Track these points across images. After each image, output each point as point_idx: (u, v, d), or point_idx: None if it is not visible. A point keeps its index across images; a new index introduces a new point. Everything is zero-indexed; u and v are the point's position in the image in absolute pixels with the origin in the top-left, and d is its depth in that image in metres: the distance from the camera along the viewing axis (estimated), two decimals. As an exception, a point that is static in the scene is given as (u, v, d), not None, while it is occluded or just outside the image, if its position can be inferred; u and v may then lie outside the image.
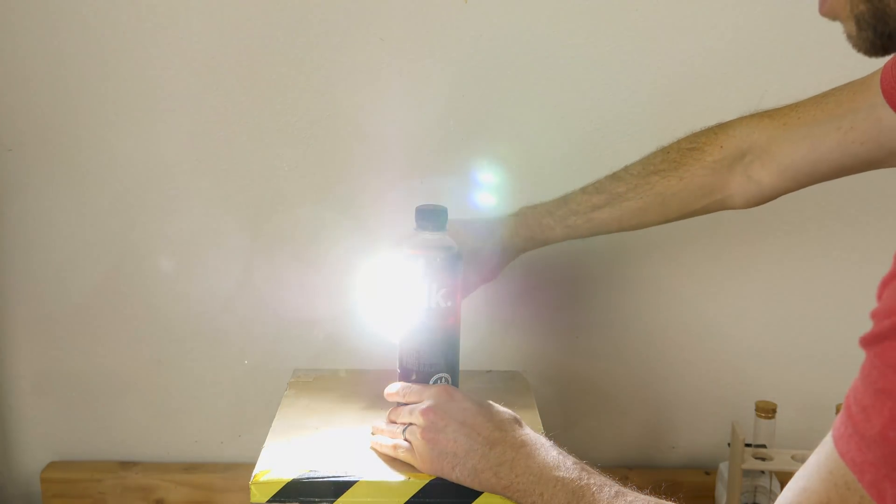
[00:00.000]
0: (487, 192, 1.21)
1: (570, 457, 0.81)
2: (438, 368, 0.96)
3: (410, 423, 0.89)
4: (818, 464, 0.54)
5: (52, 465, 1.27)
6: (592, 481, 0.77)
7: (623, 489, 0.76)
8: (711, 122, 1.19)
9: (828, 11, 0.60)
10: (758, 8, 1.16)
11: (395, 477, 0.86)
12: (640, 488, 0.75)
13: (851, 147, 0.88)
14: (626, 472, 1.28)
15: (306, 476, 0.86)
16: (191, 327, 1.25)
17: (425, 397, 0.90)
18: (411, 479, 0.86)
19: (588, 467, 0.80)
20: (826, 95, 0.91)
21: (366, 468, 0.87)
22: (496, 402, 0.90)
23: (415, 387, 0.95)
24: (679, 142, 1.00)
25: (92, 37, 1.15)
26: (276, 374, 1.21)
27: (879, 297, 0.51)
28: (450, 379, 0.98)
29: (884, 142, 0.86)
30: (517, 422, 0.87)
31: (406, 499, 0.86)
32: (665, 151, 1.00)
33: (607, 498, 0.75)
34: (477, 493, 0.84)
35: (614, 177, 1.03)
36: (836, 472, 0.52)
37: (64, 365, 1.25)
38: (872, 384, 0.49)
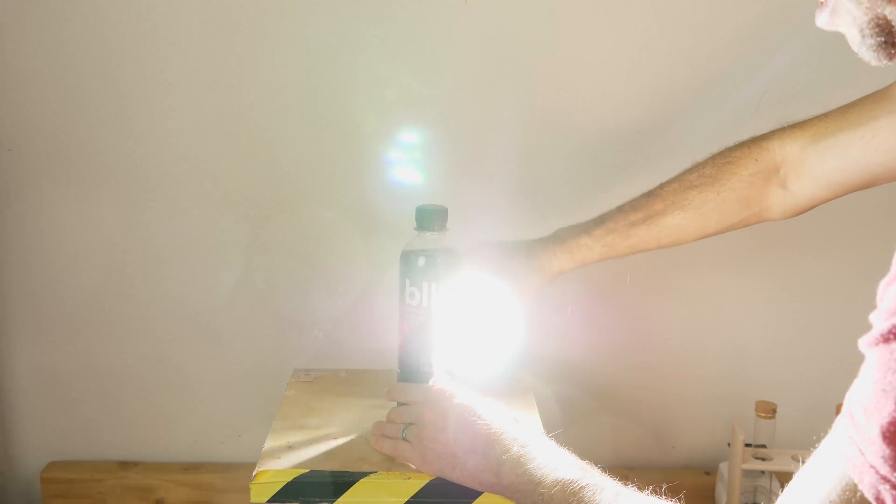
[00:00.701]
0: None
1: (571, 457, 0.81)
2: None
3: (411, 423, 0.89)
4: (817, 466, 0.54)
5: (52, 465, 1.27)
6: (592, 482, 0.77)
7: (623, 490, 0.76)
8: (711, 121, 1.19)
9: (827, 24, 0.60)
10: (758, 8, 1.16)
11: (395, 477, 0.86)
12: (640, 488, 0.75)
13: (875, 155, 0.90)
14: (626, 472, 1.28)
15: (306, 476, 0.86)
16: (191, 327, 1.25)
17: (426, 398, 0.90)
18: (411, 479, 0.86)
19: (588, 467, 0.80)
20: (850, 105, 0.94)
21: (366, 468, 0.87)
22: (496, 402, 0.90)
23: (415, 387, 0.95)
24: (713, 157, 1.01)
25: (92, 37, 1.14)
26: (276, 374, 1.21)
27: (880, 299, 0.50)
28: (450, 379, 0.98)
29: None
30: (517, 421, 0.87)
31: (406, 499, 0.86)
32: (700, 167, 1.01)
33: (607, 499, 0.75)
34: (477, 493, 0.84)
35: (650, 194, 1.03)
36: (835, 475, 0.52)
37: (64, 365, 1.25)
38: (873, 385, 0.49)
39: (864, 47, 0.58)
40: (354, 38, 1.16)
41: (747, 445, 1.09)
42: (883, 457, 0.48)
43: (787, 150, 0.97)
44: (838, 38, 0.61)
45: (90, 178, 1.19)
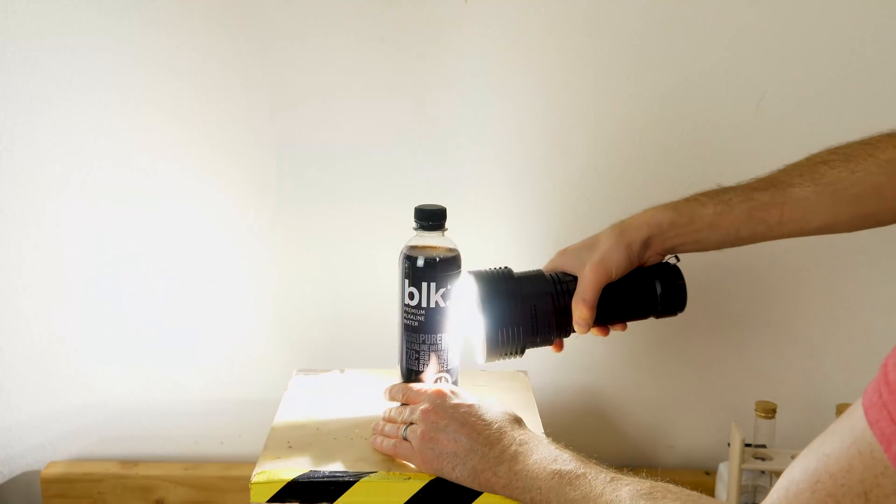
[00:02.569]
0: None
1: (568, 451, 0.82)
2: (438, 368, 0.97)
3: (411, 423, 0.89)
4: (843, 431, 0.52)
5: (52, 465, 1.27)
6: (588, 470, 0.77)
7: (619, 475, 0.76)
8: (710, 120, 1.20)
9: None
10: (758, 8, 1.16)
11: (395, 477, 0.86)
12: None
13: None
14: (627, 472, 1.28)
15: (306, 476, 0.86)
16: (191, 327, 1.25)
17: (425, 397, 0.90)
18: (411, 479, 0.86)
19: (586, 459, 0.80)
20: None
21: (366, 468, 0.88)
22: (496, 402, 0.90)
23: (415, 386, 0.95)
24: (849, 142, 0.92)
25: (82, 31, 1.15)
26: (276, 374, 1.21)
27: None
28: (450, 379, 0.98)
29: None
30: (517, 421, 0.87)
31: (406, 499, 0.86)
32: (832, 148, 0.92)
33: (602, 483, 0.75)
34: (477, 494, 0.84)
35: (772, 172, 0.93)
36: (861, 441, 0.50)
37: (64, 365, 1.25)
38: None
39: None
40: (354, 38, 1.16)
41: (747, 445, 1.09)
42: None
43: None
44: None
45: (92, 178, 1.19)
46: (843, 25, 1.16)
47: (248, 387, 1.26)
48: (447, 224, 0.96)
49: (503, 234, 1.22)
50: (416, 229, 0.95)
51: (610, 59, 1.18)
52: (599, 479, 0.76)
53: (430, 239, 0.95)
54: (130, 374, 1.26)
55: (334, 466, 0.87)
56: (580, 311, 0.92)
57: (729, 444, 1.10)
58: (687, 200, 0.94)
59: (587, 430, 1.30)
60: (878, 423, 0.49)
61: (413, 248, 0.95)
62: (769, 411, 1.11)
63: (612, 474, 0.77)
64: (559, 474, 0.78)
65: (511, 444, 0.83)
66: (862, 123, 1.19)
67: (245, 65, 1.16)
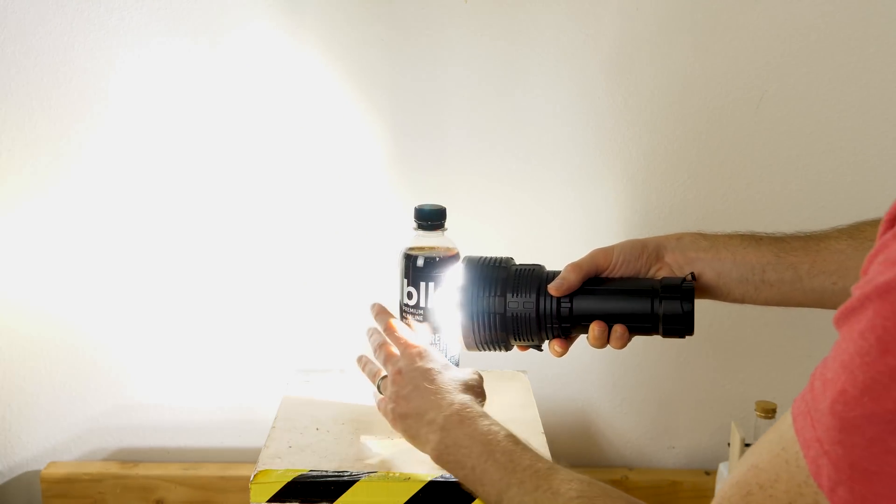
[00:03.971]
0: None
1: (507, 433, 0.80)
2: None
3: (384, 376, 0.92)
4: (772, 440, 0.52)
5: (52, 465, 1.27)
6: (525, 458, 0.76)
7: (555, 465, 0.75)
8: (711, 120, 1.19)
9: None
10: (758, 8, 1.16)
11: (395, 477, 0.87)
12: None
13: None
14: (626, 472, 1.28)
15: (306, 476, 0.86)
16: (190, 327, 1.25)
17: (401, 357, 0.91)
18: (411, 479, 0.86)
19: (522, 443, 0.79)
20: None
21: (366, 468, 0.88)
22: (497, 399, 0.90)
23: (400, 336, 0.94)
24: None
25: (82, 32, 1.15)
26: (276, 373, 1.21)
27: (863, 271, 0.48)
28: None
29: None
30: (471, 389, 0.88)
31: (406, 499, 0.86)
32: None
33: (536, 476, 0.74)
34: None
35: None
36: (788, 449, 0.50)
37: (64, 365, 1.25)
38: (836, 358, 0.47)
39: None
40: (355, 38, 1.16)
41: (747, 445, 1.09)
42: (827, 428, 0.46)
43: None
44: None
45: (92, 179, 1.19)
46: (843, 25, 1.16)
47: (248, 387, 1.26)
48: (447, 224, 0.96)
49: (501, 235, 1.22)
50: (415, 229, 0.95)
51: (609, 58, 1.18)
52: (538, 466, 0.75)
53: (430, 239, 0.95)
54: (130, 374, 1.26)
55: (334, 466, 0.88)
56: (565, 271, 0.87)
57: (729, 444, 1.10)
58: (716, 233, 0.91)
59: (587, 429, 1.30)
60: (801, 430, 0.49)
61: (413, 247, 0.96)
62: (769, 411, 1.11)
63: (549, 464, 0.75)
64: (493, 458, 0.77)
65: (451, 415, 0.83)
66: (862, 123, 1.19)
67: (250, 62, 1.17)
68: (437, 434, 0.82)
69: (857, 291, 0.47)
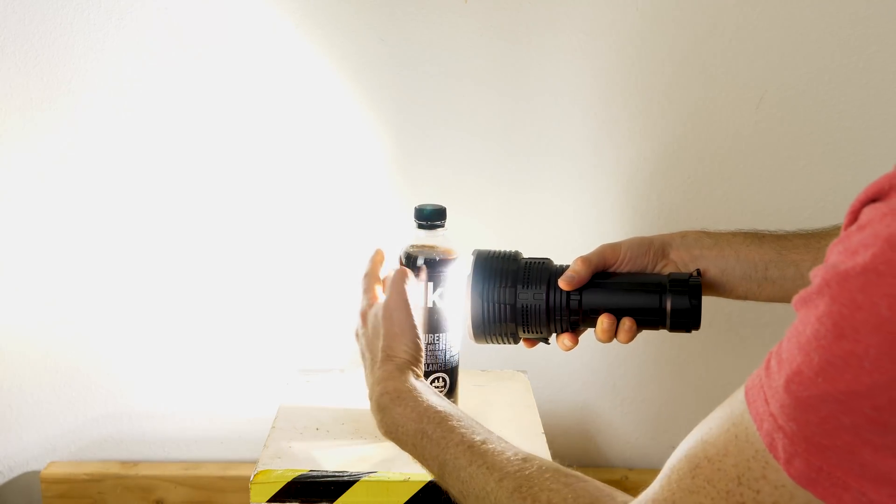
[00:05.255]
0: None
1: (441, 406, 0.78)
2: (436, 367, 0.97)
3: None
4: (723, 416, 0.54)
5: (52, 465, 1.27)
6: (455, 435, 0.74)
7: (491, 435, 0.73)
8: (710, 120, 1.19)
9: None
10: (758, 8, 1.16)
11: (395, 477, 0.87)
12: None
13: None
14: (626, 472, 1.28)
15: (306, 476, 0.86)
16: (190, 327, 1.25)
17: (378, 294, 0.90)
18: (411, 479, 0.86)
19: (456, 413, 0.77)
20: None
21: (366, 468, 0.88)
22: (497, 399, 0.90)
23: (367, 296, 0.92)
24: None
25: (82, 32, 1.15)
26: (276, 374, 1.21)
27: (826, 256, 0.49)
28: (447, 379, 0.98)
29: None
30: (408, 365, 0.83)
31: (406, 499, 0.86)
32: None
33: (470, 451, 0.72)
34: (476, 494, 0.84)
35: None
36: (739, 424, 0.52)
37: (64, 365, 1.25)
38: (793, 339, 0.49)
39: None
40: (355, 37, 1.16)
41: (747, 445, 1.09)
42: (782, 405, 0.48)
43: None
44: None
45: (92, 178, 1.19)
46: (843, 25, 1.16)
47: (248, 387, 1.26)
48: (447, 224, 0.96)
49: (500, 235, 1.22)
50: (416, 229, 0.95)
51: (609, 58, 1.18)
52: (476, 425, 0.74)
53: (430, 238, 0.95)
54: (130, 374, 1.26)
55: (334, 466, 0.88)
56: (574, 264, 0.88)
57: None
58: (720, 231, 0.93)
59: (587, 429, 1.30)
60: (755, 406, 0.50)
61: (413, 247, 0.96)
62: (769, 411, 1.11)
63: (484, 435, 0.73)
64: (424, 433, 0.76)
65: (382, 394, 0.80)
66: (862, 123, 1.20)
67: (249, 62, 1.17)
68: (377, 415, 0.80)
69: (816, 278, 0.48)
